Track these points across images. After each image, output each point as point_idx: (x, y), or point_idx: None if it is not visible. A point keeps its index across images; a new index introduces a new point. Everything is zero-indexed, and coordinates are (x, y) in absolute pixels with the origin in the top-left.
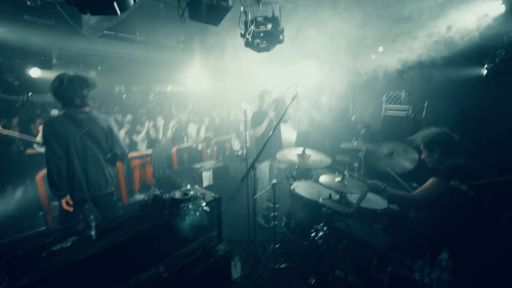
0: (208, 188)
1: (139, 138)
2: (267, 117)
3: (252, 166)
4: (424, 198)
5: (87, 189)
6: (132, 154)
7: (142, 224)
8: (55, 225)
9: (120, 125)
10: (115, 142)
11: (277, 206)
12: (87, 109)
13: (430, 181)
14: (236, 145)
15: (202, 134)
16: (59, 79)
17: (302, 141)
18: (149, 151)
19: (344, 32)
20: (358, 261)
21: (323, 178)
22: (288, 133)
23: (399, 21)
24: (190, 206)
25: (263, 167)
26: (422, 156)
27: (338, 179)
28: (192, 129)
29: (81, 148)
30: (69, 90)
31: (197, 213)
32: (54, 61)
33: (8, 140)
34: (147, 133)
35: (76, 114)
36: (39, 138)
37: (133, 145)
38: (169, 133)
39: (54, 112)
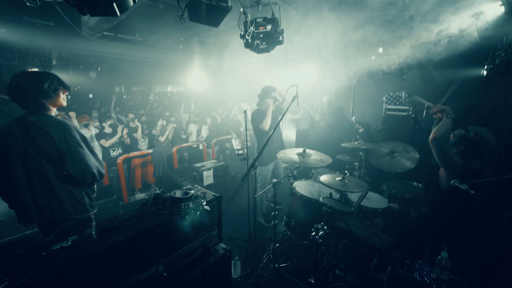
0: (209, 187)
1: (137, 135)
2: (270, 107)
3: (253, 165)
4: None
5: (35, 212)
6: (133, 153)
7: (142, 223)
8: None
9: (125, 125)
10: (69, 157)
11: (279, 207)
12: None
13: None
14: (237, 145)
15: (204, 134)
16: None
17: (301, 140)
18: (150, 150)
19: (343, 33)
20: (358, 260)
21: (324, 177)
22: (289, 133)
23: (399, 22)
24: (191, 205)
25: (267, 170)
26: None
27: (338, 178)
28: (192, 129)
29: (25, 161)
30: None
31: (198, 212)
32: (54, 62)
33: None
34: (148, 133)
35: (27, 117)
36: None
37: (134, 145)
38: (169, 135)
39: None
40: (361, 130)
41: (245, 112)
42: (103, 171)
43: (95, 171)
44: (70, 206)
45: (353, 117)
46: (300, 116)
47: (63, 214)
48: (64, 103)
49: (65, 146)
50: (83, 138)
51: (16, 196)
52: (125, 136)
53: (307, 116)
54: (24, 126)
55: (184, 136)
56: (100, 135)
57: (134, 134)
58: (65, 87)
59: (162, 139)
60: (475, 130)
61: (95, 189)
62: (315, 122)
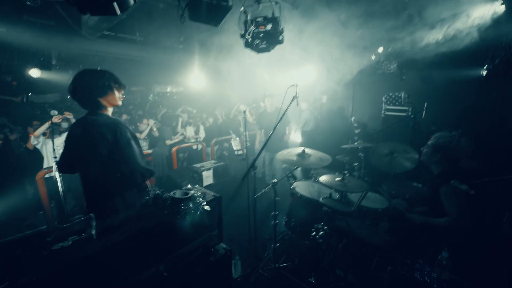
0: (209, 187)
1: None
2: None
3: (253, 166)
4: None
5: None
6: None
7: (142, 223)
8: (56, 224)
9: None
10: (120, 157)
11: (278, 199)
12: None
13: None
14: (236, 145)
15: (202, 135)
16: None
17: (307, 140)
18: (150, 151)
19: (343, 33)
20: (358, 260)
21: (324, 177)
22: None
23: (399, 22)
24: (191, 205)
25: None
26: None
27: (338, 178)
28: (190, 131)
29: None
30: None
31: (198, 212)
32: (53, 62)
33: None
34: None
35: (87, 116)
36: None
37: None
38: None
39: (54, 113)
40: (357, 131)
41: (244, 112)
42: (153, 169)
43: (143, 170)
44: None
45: (353, 118)
46: (304, 117)
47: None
48: (120, 102)
49: (116, 145)
50: (134, 136)
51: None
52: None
53: (312, 117)
54: (83, 126)
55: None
56: None
57: (137, 134)
58: (120, 85)
59: (142, 136)
60: (449, 136)
61: (149, 190)
62: (319, 122)
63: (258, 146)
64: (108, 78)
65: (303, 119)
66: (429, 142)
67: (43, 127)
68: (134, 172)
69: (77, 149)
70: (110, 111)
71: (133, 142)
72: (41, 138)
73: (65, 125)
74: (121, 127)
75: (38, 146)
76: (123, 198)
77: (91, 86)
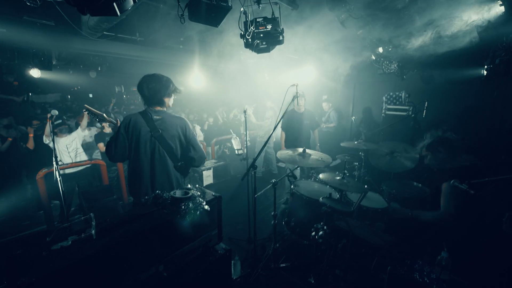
0: (209, 187)
1: None
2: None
3: (253, 165)
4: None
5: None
6: None
7: (142, 223)
8: (56, 224)
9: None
10: (190, 146)
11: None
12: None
13: (444, 187)
14: (237, 145)
15: (200, 137)
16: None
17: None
18: None
19: (343, 33)
20: (358, 260)
21: (324, 177)
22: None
23: (399, 22)
24: (191, 205)
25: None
26: (426, 161)
27: (338, 177)
28: None
29: (151, 151)
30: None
31: (198, 212)
32: (54, 62)
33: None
34: None
35: (152, 115)
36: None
37: None
38: None
39: (55, 112)
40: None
41: (245, 111)
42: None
43: (205, 155)
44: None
45: (353, 117)
46: (327, 116)
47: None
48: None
49: (189, 137)
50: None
51: (140, 178)
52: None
53: (335, 115)
54: (151, 123)
55: None
56: (101, 135)
57: None
58: (177, 90)
59: None
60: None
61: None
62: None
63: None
64: (173, 84)
65: (331, 118)
66: (425, 143)
67: (48, 127)
68: (202, 158)
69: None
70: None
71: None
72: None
73: (72, 124)
74: (188, 123)
75: (50, 145)
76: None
77: (164, 88)
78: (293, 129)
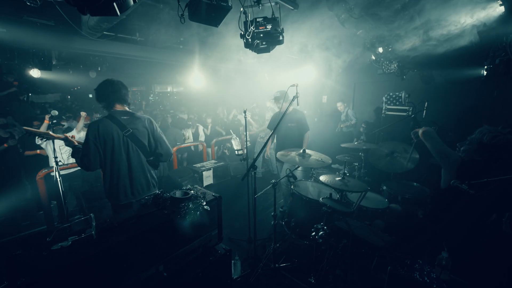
0: (209, 187)
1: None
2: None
3: (253, 166)
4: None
5: (131, 193)
6: None
7: (142, 223)
8: (56, 224)
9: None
10: (158, 142)
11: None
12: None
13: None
14: (237, 145)
15: (202, 137)
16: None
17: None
18: None
19: (343, 33)
20: (358, 260)
21: (324, 178)
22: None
23: (399, 22)
24: (191, 205)
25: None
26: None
27: (338, 178)
28: (188, 133)
29: (125, 151)
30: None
31: (198, 212)
32: (53, 62)
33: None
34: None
35: (120, 115)
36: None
37: None
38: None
39: (54, 113)
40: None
41: (245, 112)
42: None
43: (171, 151)
44: (151, 184)
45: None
46: (344, 117)
47: (145, 193)
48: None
49: (156, 134)
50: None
51: (117, 180)
52: None
53: (352, 116)
54: (121, 124)
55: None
56: None
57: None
58: (127, 99)
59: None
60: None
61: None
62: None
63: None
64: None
65: (350, 116)
66: (472, 136)
67: (43, 127)
68: (168, 153)
69: None
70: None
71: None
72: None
73: (65, 124)
74: (154, 121)
75: (43, 146)
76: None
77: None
78: (279, 131)
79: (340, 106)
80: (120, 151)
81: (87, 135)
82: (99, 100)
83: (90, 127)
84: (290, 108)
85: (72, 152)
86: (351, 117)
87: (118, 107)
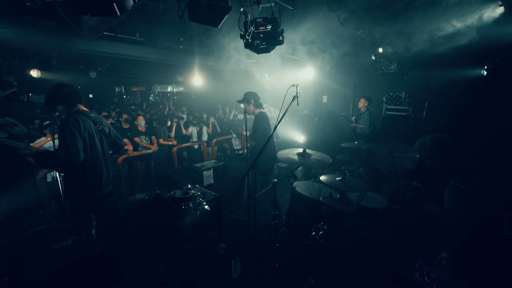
0: (209, 187)
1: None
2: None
3: (253, 166)
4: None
5: (109, 183)
6: (133, 153)
7: (142, 223)
8: (56, 224)
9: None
10: (116, 137)
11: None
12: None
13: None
14: (237, 145)
15: (205, 136)
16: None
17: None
18: (150, 150)
19: (344, 33)
20: (358, 260)
21: (324, 177)
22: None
23: (399, 22)
24: (191, 205)
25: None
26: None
27: (338, 178)
28: (192, 131)
29: (100, 144)
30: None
31: (198, 212)
32: (54, 62)
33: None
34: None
35: (88, 113)
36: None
37: (135, 145)
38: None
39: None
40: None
41: (245, 112)
42: None
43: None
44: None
45: (353, 117)
46: (360, 118)
47: (110, 187)
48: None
49: (113, 130)
50: None
51: (100, 172)
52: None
53: (367, 116)
54: (92, 119)
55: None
56: None
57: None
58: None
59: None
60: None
61: None
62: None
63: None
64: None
65: (364, 117)
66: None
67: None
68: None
69: None
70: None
71: None
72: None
73: None
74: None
75: (46, 145)
76: None
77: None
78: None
79: (361, 103)
80: (97, 144)
81: (69, 127)
82: (57, 103)
83: (69, 122)
84: (257, 111)
85: (38, 158)
86: (363, 121)
87: (81, 107)
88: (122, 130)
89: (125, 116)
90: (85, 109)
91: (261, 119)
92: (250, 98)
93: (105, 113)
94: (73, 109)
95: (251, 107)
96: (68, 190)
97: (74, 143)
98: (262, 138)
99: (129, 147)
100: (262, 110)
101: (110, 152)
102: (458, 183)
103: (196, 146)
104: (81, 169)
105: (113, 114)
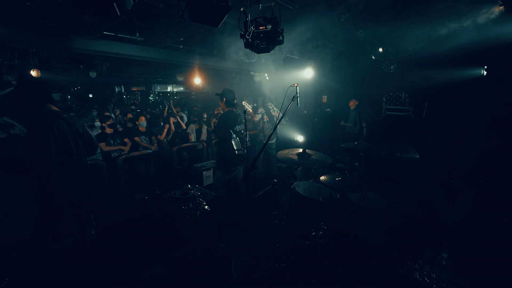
0: (209, 187)
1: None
2: None
3: (253, 166)
4: None
5: (82, 184)
6: (133, 153)
7: (142, 223)
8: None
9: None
10: (91, 137)
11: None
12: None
13: None
14: (236, 145)
15: (204, 135)
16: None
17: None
18: (150, 150)
19: (343, 33)
20: (358, 260)
21: (324, 177)
22: None
23: (399, 22)
24: (191, 205)
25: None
26: None
27: (338, 178)
28: (192, 129)
29: (75, 146)
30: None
31: (198, 213)
32: (53, 62)
33: None
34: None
35: (61, 114)
36: None
37: (135, 145)
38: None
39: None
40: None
41: (245, 111)
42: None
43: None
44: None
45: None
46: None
47: (87, 188)
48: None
49: (86, 129)
50: None
51: (74, 172)
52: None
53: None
54: (65, 119)
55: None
56: (102, 135)
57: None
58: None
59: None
60: None
61: None
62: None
63: None
64: None
65: (352, 118)
66: None
67: None
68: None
69: None
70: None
71: None
72: None
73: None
74: None
75: None
76: None
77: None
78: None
79: (352, 102)
80: (71, 146)
81: (40, 128)
82: (26, 104)
83: (40, 123)
84: (226, 109)
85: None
86: (350, 119)
87: (53, 107)
88: (128, 130)
89: (129, 115)
90: (56, 109)
91: (225, 118)
92: (223, 96)
93: (107, 113)
94: (44, 109)
95: (222, 104)
96: (41, 193)
97: (44, 144)
98: (224, 137)
99: (126, 148)
100: (233, 109)
101: (85, 153)
102: (458, 183)
103: (198, 146)
104: (54, 172)
105: (117, 112)
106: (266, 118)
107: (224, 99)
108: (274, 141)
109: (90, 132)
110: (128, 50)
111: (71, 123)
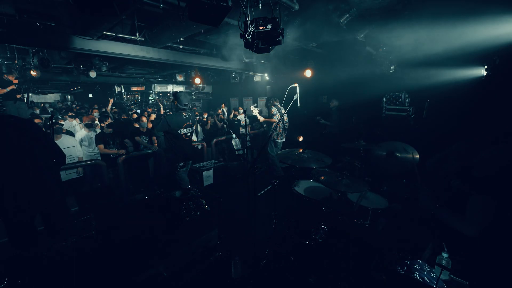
0: (209, 187)
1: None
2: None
3: (253, 166)
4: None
5: (28, 203)
6: (133, 153)
7: (142, 223)
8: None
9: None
10: (52, 144)
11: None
12: None
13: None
14: (237, 145)
15: (200, 135)
16: None
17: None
18: (150, 150)
19: (343, 33)
20: (358, 260)
21: (324, 177)
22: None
23: (399, 22)
24: (191, 205)
25: None
26: None
27: (338, 178)
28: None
29: (27, 155)
30: None
31: (198, 213)
32: (53, 62)
33: None
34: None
35: (8, 118)
36: None
37: (136, 144)
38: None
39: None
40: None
41: (245, 111)
42: None
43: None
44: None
45: (353, 118)
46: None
47: (57, 195)
48: None
49: (48, 136)
50: None
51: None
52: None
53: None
54: (13, 126)
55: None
56: (101, 136)
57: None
58: None
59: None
60: None
61: None
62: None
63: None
64: None
65: (332, 117)
66: None
67: None
68: None
69: None
70: None
71: None
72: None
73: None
74: None
75: None
76: None
77: None
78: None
79: (333, 103)
80: (21, 154)
81: None
82: None
83: None
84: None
85: None
86: (335, 119)
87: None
88: (135, 129)
89: (134, 115)
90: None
91: (170, 118)
92: (175, 98)
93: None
94: None
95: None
96: None
97: None
98: (167, 136)
99: (122, 151)
100: (183, 113)
101: (53, 161)
102: (460, 183)
103: (199, 146)
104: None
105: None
106: (279, 117)
107: (176, 102)
108: (283, 140)
109: (90, 132)
110: (128, 50)
111: (23, 129)
